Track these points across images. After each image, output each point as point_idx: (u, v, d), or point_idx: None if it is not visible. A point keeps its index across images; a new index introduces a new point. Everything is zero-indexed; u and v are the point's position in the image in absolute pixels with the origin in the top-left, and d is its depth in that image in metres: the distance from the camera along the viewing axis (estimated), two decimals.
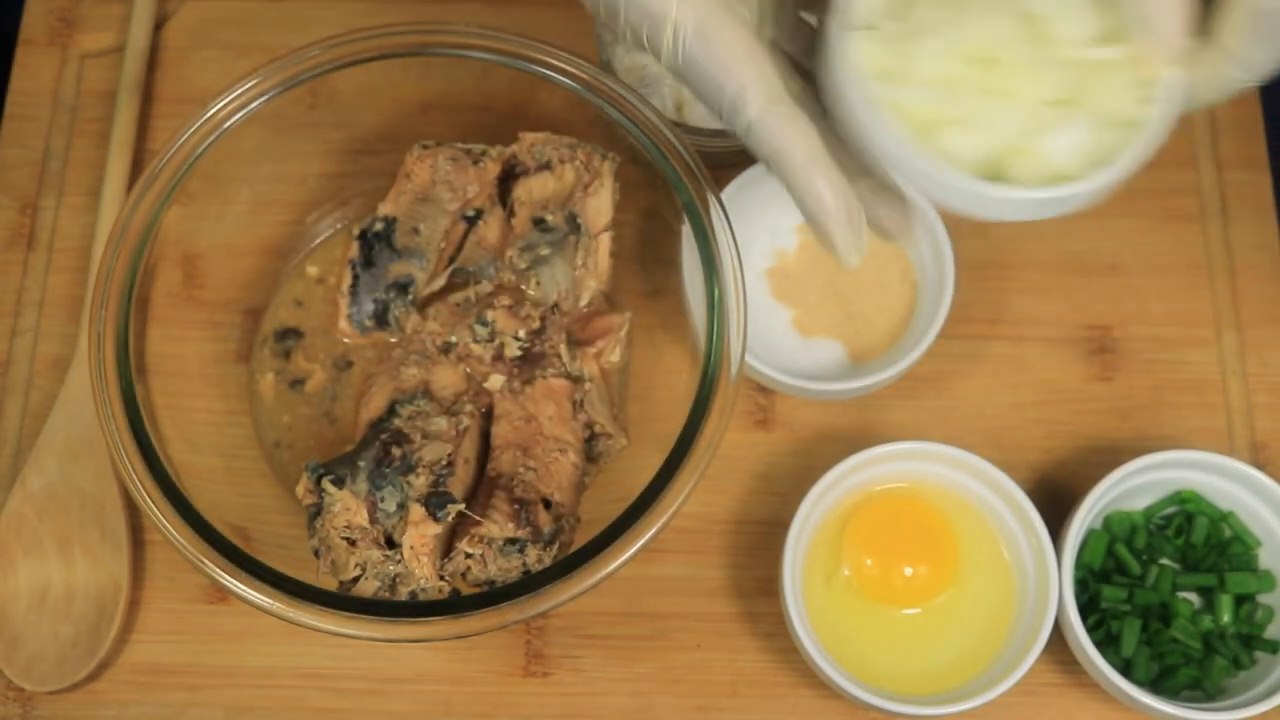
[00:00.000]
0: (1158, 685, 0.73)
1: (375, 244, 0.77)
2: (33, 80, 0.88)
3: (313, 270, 0.80)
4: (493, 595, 0.65)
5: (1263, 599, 0.75)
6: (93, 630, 0.74)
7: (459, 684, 0.75)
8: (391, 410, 0.72)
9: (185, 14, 0.89)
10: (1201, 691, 0.73)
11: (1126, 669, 0.73)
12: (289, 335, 0.79)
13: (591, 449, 0.74)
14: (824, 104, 0.56)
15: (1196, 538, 0.75)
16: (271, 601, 0.64)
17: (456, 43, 0.74)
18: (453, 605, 0.65)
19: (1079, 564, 0.74)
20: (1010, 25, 0.56)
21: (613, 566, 0.65)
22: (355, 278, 0.77)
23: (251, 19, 0.89)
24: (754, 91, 0.51)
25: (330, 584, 0.67)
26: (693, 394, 0.67)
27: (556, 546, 0.68)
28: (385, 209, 0.77)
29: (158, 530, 0.66)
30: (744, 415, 0.80)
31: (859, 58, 0.55)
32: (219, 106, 0.72)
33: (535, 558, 0.68)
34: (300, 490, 0.69)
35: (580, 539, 0.67)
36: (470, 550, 0.68)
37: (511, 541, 0.67)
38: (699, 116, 0.81)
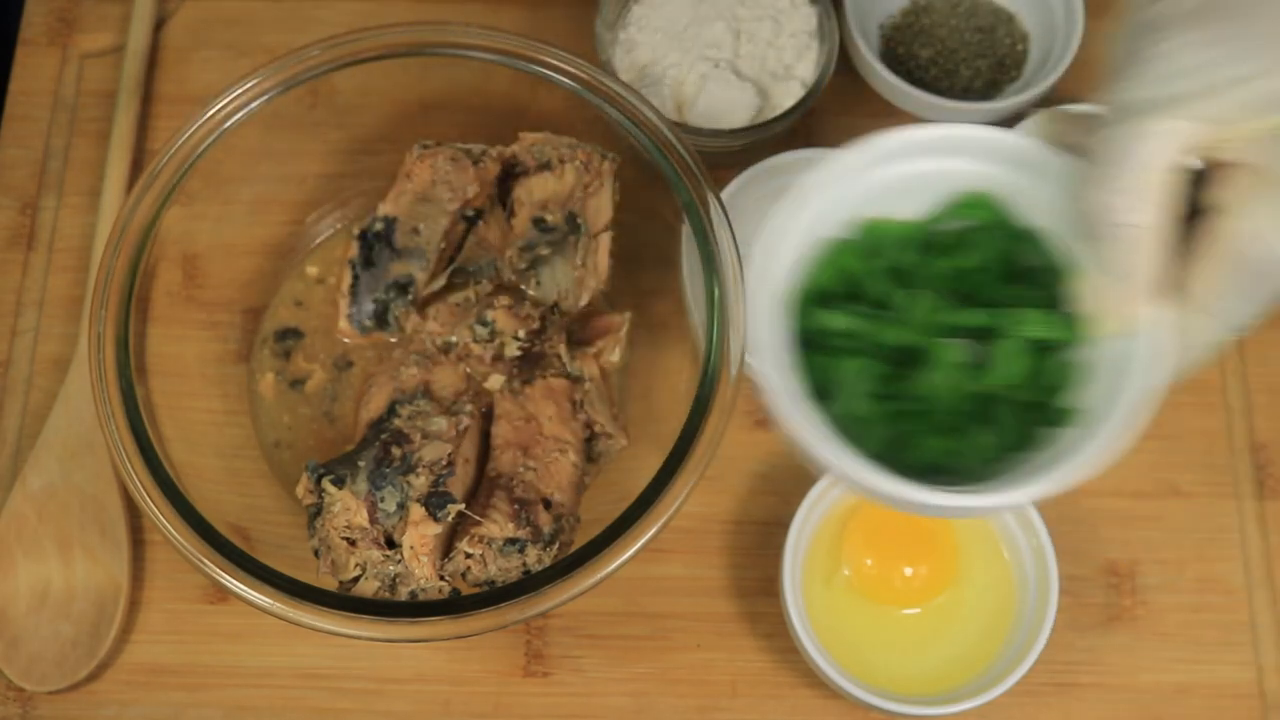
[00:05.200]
0: (889, 460, 0.54)
1: (375, 244, 0.77)
2: (33, 80, 0.88)
3: (313, 270, 0.80)
4: (493, 595, 0.65)
5: (1061, 354, 0.54)
6: (93, 630, 0.74)
7: (459, 684, 0.75)
8: (391, 410, 0.72)
9: (185, 14, 0.89)
10: (946, 475, 0.54)
11: (850, 435, 0.52)
12: (289, 335, 0.79)
13: (591, 449, 0.74)
14: None
15: (978, 259, 0.55)
16: (271, 601, 0.64)
17: (456, 43, 0.74)
18: (453, 605, 0.65)
19: (806, 288, 0.53)
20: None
21: (613, 566, 0.65)
22: (355, 278, 0.77)
23: (251, 19, 0.89)
24: None
25: (330, 584, 0.67)
26: (693, 394, 0.67)
27: (556, 546, 0.68)
28: (385, 209, 0.77)
29: (158, 530, 0.66)
30: (744, 415, 0.80)
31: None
32: (219, 106, 0.72)
33: (535, 558, 0.68)
34: (300, 490, 0.69)
35: (580, 539, 0.67)
36: (470, 550, 0.68)
37: (511, 541, 0.67)
38: (699, 116, 0.80)
